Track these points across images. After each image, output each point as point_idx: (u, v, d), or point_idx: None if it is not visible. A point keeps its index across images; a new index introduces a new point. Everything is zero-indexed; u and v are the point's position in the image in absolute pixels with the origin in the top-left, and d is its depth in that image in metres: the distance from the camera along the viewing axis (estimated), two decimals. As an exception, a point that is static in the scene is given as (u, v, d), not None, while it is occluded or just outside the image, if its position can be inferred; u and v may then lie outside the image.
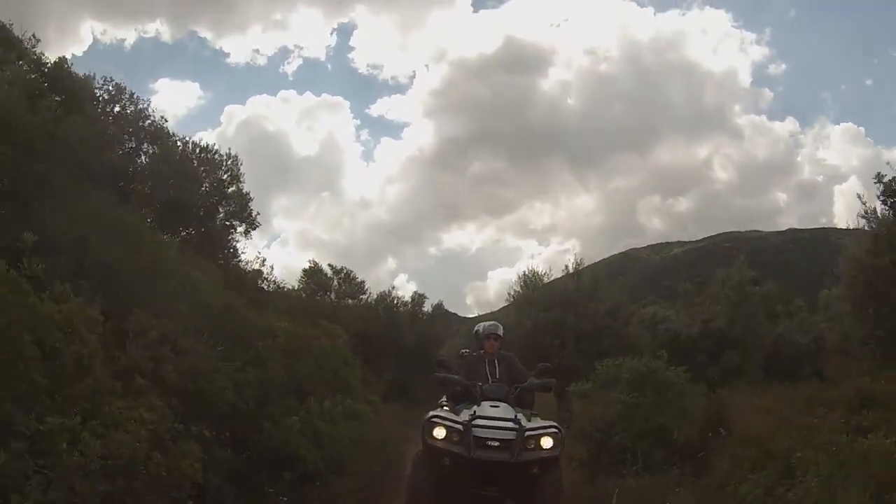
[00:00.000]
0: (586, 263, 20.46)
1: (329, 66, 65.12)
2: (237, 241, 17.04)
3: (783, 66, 54.92)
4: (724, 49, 53.07)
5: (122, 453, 4.76)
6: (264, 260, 18.15)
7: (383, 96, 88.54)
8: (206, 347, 6.86)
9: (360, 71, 62.83)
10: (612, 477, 8.93)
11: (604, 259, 58.79)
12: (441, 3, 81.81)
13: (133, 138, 15.29)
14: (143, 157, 15.24)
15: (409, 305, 24.37)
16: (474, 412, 6.76)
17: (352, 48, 72.37)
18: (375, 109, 71.14)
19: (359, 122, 74.44)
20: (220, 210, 16.76)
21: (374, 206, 64.31)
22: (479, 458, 6.49)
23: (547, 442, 6.68)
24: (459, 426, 6.65)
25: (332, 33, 73.15)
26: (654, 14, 61.74)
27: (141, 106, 15.30)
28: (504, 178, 64.84)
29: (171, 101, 61.66)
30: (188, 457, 5.62)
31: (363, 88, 70.49)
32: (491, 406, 6.85)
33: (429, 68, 69.15)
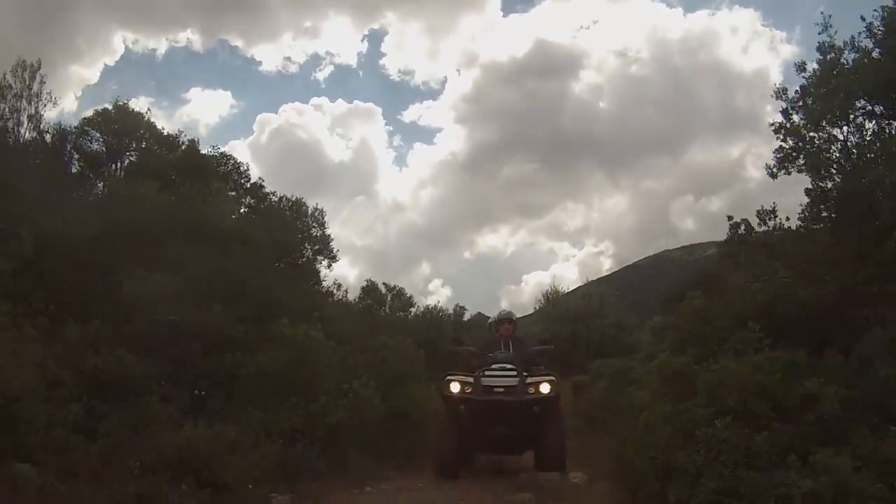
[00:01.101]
0: (622, 265, 24.35)
1: (360, 72, 66.62)
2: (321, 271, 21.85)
3: (814, 64, 55.32)
4: (754, 48, 54.07)
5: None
6: (339, 284, 22.97)
7: (415, 102, 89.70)
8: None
9: (391, 77, 64.47)
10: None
11: (637, 261, 61.05)
12: (470, 7, 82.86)
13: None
14: (242, 208, 20.14)
15: (452, 316, 28.79)
16: (483, 370, 7.85)
17: (383, 54, 73.70)
18: (408, 115, 72.11)
19: (391, 128, 75.43)
20: (307, 248, 21.67)
21: (407, 210, 66.13)
22: (486, 400, 7.57)
23: (545, 387, 7.72)
24: (471, 379, 7.79)
25: (362, 40, 74.76)
26: (684, 14, 62.81)
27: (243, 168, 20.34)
28: (536, 182, 66.16)
29: (204, 111, 62.78)
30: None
31: (395, 95, 71.74)
32: (498, 366, 7.88)
33: (460, 73, 70.32)
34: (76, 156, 16.24)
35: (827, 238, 8.18)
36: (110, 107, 17.71)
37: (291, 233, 19.57)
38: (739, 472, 4.88)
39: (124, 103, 17.89)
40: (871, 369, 6.19)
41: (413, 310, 28.52)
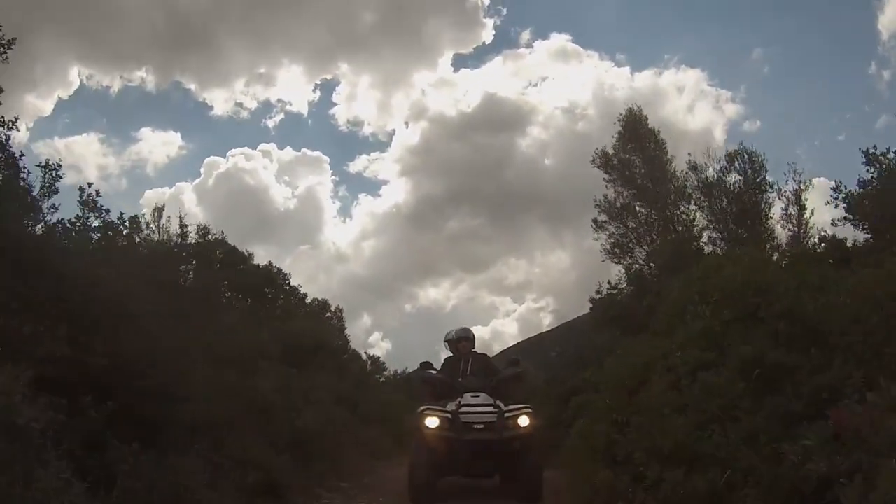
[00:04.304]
0: (561, 321, 25.33)
1: (310, 121, 67.43)
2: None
3: (758, 122, 58.56)
4: (699, 107, 56.45)
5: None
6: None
7: (363, 153, 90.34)
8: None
9: (340, 127, 65.33)
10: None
11: (577, 318, 62.26)
12: (423, 62, 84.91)
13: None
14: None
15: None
16: (459, 402, 7.68)
17: (334, 104, 74.59)
18: (354, 166, 72.79)
19: (337, 178, 75.78)
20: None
21: (350, 261, 65.85)
22: (468, 439, 7.41)
23: (524, 420, 7.56)
24: (448, 414, 7.56)
25: (314, 89, 75.76)
26: (631, 73, 65.55)
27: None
28: (480, 236, 66.48)
29: (153, 150, 63.21)
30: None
31: (343, 145, 72.24)
32: (472, 396, 7.77)
33: (408, 126, 71.36)
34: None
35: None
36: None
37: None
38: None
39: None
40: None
41: (386, 373, 29.57)
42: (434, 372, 8.54)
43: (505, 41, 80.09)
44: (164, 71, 66.02)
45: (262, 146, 63.76)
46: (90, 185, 7.35)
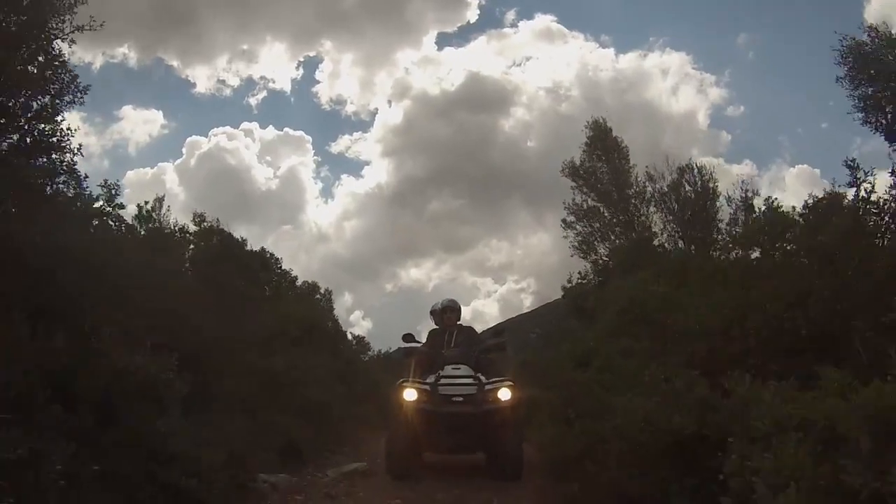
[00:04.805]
0: (543, 303, 26.99)
1: (293, 99, 67.36)
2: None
3: (741, 107, 59.59)
4: (683, 90, 57.41)
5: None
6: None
7: (345, 133, 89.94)
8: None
9: (322, 106, 65.49)
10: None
11: (557, 299, 63.76)
12: (406, 41, 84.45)
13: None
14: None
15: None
16: (438, 374, 7.48)
17: (317, 82, 73.99)
18: (336, 146, 72.88)
19: (319, 158, 75.42)
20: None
21: (332, 241, 66.46)
22: (446, 412, 7.18)
23: (504, 393, 7.27)
24: (427, 387, 7.36)
25: (298, 66, 75.64)
26: (616, 55, 66.01)
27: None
28: (462, 217, 66.99)
29: (135, 129, 62.17)
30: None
31: (325, 124, 72.20)
32: (453, 368, 7.54)
33: (391, 105, 71.25)
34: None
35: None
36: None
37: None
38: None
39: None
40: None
41: (371, 353, 31.28)
42: (417, 344, 8.33)
43: (490, 21, 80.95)
44: (146, 47, 65.22)
45: (245, 125, 64.37)
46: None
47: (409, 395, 7.38)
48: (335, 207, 71.28)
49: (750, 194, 14.67)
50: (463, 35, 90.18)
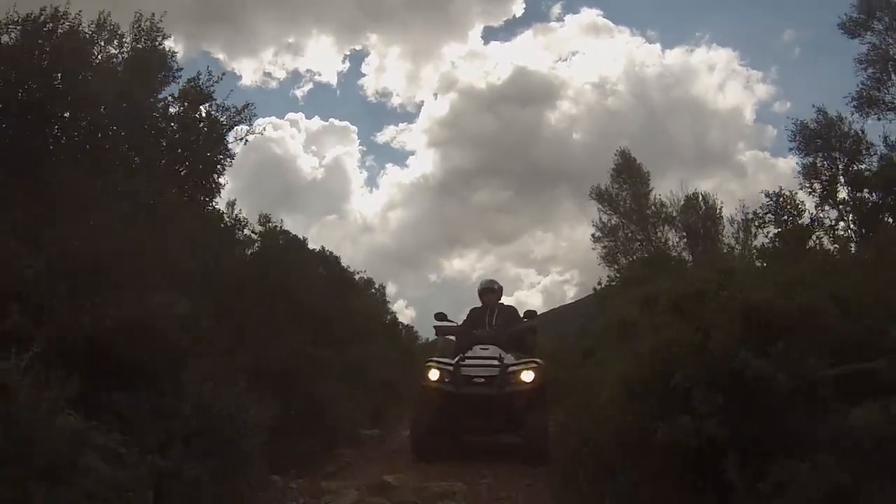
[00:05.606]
0: (586, 294, 28.49)
1: (339, 91, 67.61)
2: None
3: (788, 104, 59.31)
4: (730, 86, 57.42)
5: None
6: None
7: (390, 124, 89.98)
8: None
9: (369, 98, 65.84)
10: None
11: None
12: (452, 35, 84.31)
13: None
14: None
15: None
16: (464, 355, 7.30)
17: (363, 75, 74.15)
18: (381, 136, 73.26)
19: (364, 148, 75.29)
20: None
21: (376, 231, 66.61)
22: (466, 393, 6.96)
23: (527, 375, 6.99)
24: (450, 367, 7.17)
25: (344, 60, 76.24)
26: (662, 51, 65.80)
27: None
28: (507, 208, 66.96)
29: None
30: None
31: (371, 115, 72.42)
32: (481, 349, 7.36)
33: (437, 97, 71.66)
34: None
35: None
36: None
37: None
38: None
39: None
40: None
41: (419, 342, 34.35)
42: (451, 324, 8.29)
43: (535, 15, 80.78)
44: (192, 40, 65.98)
45: (290, 115, 64.92)
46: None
47: (433, 374, 7.32)
48: (380, 197, 72.24)
49: (750, 216, 17.12)
50: (509, 29, 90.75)
